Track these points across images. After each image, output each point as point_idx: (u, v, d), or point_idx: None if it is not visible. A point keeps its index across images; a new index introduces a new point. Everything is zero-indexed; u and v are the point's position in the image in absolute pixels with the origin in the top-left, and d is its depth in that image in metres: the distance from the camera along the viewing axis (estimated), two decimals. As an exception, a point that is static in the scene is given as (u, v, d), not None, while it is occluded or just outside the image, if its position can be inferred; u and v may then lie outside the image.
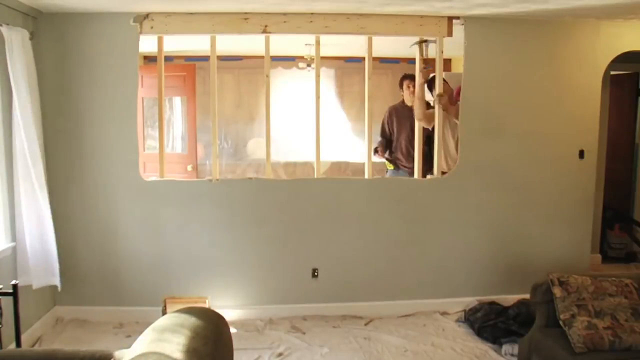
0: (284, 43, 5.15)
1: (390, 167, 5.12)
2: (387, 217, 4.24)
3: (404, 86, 5.04)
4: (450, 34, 4.13)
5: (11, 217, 3.53)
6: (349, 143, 7.19)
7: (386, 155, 5.16)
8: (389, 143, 5.16)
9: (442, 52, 4.20)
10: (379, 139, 5.19)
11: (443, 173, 4.35)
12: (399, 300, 4.27)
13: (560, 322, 2.84)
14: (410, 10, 3.90)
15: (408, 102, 5.01)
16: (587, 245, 4.48)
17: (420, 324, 4.07)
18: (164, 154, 4.16)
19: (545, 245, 4.37)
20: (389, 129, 5.15)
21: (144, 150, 5.65)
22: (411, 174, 4.99)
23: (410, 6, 3.76)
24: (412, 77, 4.87)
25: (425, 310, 4.26)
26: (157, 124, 4.19)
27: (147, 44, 4.20)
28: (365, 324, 4.05)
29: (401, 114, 5.07)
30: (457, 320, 4.11)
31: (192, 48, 5.69)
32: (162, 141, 4.16)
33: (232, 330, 2.06)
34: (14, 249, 3.52)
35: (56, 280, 3.70)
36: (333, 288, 4.23)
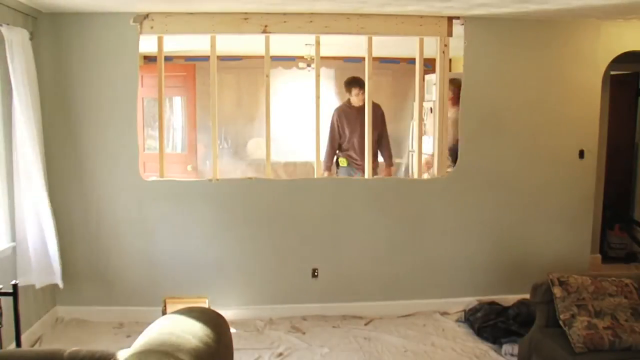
0: (284, 43, 5.15)
1: (344, 163, 5.23)
2: (387, 217, 4.24)
3: (353, 93, 5.19)
4: (450, 34, 4.13)
5: (11, 217, 3.53)
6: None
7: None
8: (339, 147, 5.32)
9: (444, 52, 4.19)
10: (327, 148, 5.29)
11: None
12: (399, 300, 4.27)
13: (560, 322, 2.84)
14: (410, 10, 3.90)
15: (355, 104, 5.19)
16: (587, 245, 4.47)
17: (420, 324, 4.06)
18: (163, 154, 4.16)
19: (545, 245, 4.37)
20: (339, 130, 5.28)
21: (144, 150, 5.65)
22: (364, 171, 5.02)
23: (410, 6, 3.76)
24: (360, 84, 5.00)
25: (425, 310, 4.26)
26: (157, 124, 4.18)
27: (147, 44, 4.20)
28: (365, 324, 4.05)
29: (350, 115, 5.23)
30: (457, 320, 4.11)
31: (192, 48, 5.69)
32: (162, 141, 4.15)
33: (232, 330, 2.06)
34: (14, 249, 3.52)
35: (57, 279, 3.70)
36: (333, 288, 4.23)
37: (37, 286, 3.59)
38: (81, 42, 3.89)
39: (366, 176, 4.34)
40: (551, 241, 4.38)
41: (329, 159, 5.33)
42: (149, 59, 6.38)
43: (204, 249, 4.12)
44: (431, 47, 4.23)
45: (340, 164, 5.32)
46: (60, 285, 3.74)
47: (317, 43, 4.15)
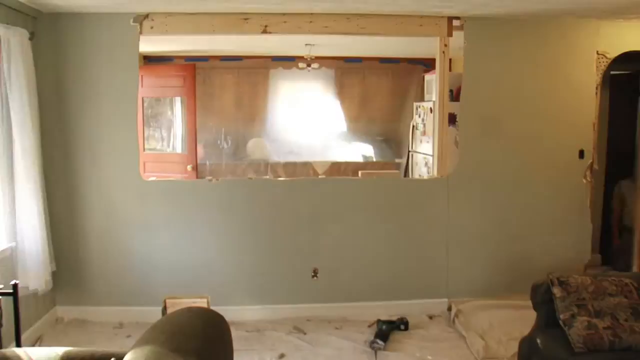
0: (284, 43, 5.16)
1: None
2: (387, 216, 4.24)
3: None
4: (450, 34, 4.13)
5: (11, 217, 3.53)
6: (349, 143, 7.20)
7: None
8: None
9: (444, 52, 4.19)
10: None
11: None
12: (399, 300, 4.26)
13: (560, 322, 2.84)
14: (411, 10, 3.90)
15: None
16: (588, 245, 4.47)
17: (422, 324, 4.06)
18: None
19: (545, 245, 4.37)
20: None
21: (144, 150, 5.65)
22: None
23: (410, 6, 3.76)
24: None
25: (425, 310, 4.25)
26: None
27: (147, 44, 4.20)
28: (369, 326, 4.02)
29: None
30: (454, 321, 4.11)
31: (193, 48, 5.70)
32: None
33: (232, 330, 2.06)
34: (14, 249, 3.52)
35: (45, 283, 3.68)
36: (333, 288, 4.23)
37: (31, 288, 3.55)
38: (81, 42, 3.89)
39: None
40: (551, 241, 4.38)
41: None
42: (149, 59, 6.38)
43: (204, 249, 4.12)
44: (431, 47, 4.24)
45: None
46: (42, 290, 3.65)
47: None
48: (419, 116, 6.17)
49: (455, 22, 4.11)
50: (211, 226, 4.11)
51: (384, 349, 3.61)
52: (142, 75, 4.96)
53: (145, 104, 5.87)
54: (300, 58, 5.96)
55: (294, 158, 6.96)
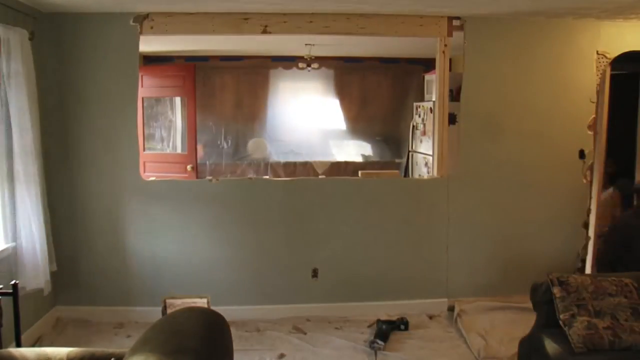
0: (284, 43, 5.16)
1: None
2: (387, 217, 4.24)
3: None
4: (450, 34, 4.14)
5: (11, 217, 3.53)
6: (349, 143, 7.20)
7: None
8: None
9: (444, 52, 4.19)
10: None
11: None
12: (399, 300, 4.26)
13: (560, 322, 2.84)
14: (410, 10, 3.91)
15: None
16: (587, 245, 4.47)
17: (422, 324, 4.06)
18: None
19: (545, 245, 4.37)
20: None
21: (144, 150, 5.65)
22: None
23: (410, 6, 3.76)
24: None
25: (425, 310, 4.25)
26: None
27: (147, 44, 4.20)
28: (369, 326, 4.03)
29: None
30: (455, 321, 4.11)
31: (193, 48, 5.70)
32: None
33: (232, 330, 2.06)
34: (14, 249, 3.52)
35: (45, 283, 3.67)
36: (334, 288, 4.23)
37: (27, 288, 3.55)
38: (81, 42, 3.89)
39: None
40: (551, 241, 4.38)
41: None
42: (149, 59, 6.38)
43: (204, 248, 4.12)
44: (431, 47, 4.23)
45: None
46: (45, 292, 3.65)
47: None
48: (419, 116, 6.17)
49: (455, 22, 4.11)
50: (211, 226, 4.11)
51: (384, 349, 3.62)
52: (142, 75, 4.97)
53: (145, 104, 5.88)
54: (300, 58, 5.96)
55: (294, 158, 6.96)
